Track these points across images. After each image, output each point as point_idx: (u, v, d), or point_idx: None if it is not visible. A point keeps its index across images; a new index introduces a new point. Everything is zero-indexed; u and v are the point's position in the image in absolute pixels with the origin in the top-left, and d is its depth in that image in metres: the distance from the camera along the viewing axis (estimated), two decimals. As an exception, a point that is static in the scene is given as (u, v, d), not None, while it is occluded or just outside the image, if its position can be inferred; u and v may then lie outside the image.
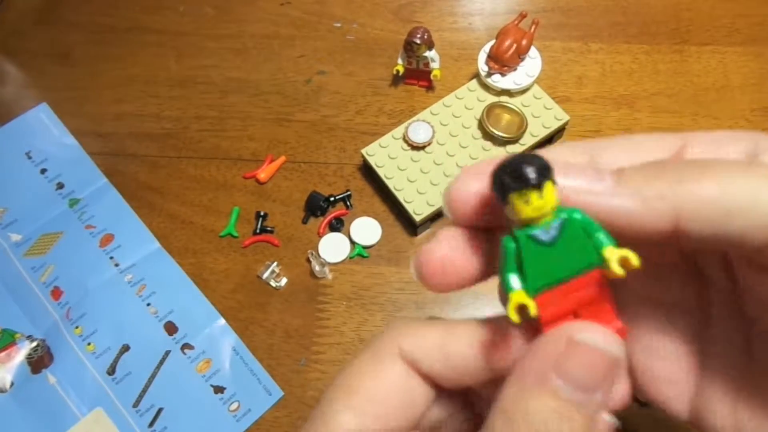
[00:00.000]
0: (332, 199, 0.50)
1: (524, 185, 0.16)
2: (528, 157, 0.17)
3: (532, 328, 0.18)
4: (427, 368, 0.19)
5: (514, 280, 0.17)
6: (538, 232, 0.17)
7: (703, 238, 0.16)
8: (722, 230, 0.15)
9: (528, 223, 0.17)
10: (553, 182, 0.16)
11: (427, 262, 0.18)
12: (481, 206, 0.18)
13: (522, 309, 0.16)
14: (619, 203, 0.16)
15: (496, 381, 0.18)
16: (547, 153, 0.18)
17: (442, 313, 0.45)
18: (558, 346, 0.17)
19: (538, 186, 0.16)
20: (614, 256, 0.16)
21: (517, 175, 0.16)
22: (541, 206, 0.16)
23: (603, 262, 0.16)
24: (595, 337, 0.17)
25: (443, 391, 0.20)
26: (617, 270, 0.16)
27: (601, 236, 0.16)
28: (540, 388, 0.16)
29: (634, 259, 0.16)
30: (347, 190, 0.50)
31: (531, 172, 0.16)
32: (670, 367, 0.20)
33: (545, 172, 0.16)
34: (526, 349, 0.17)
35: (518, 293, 0.16)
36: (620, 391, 0.18)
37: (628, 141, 0.19)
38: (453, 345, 0.19)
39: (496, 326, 0.18)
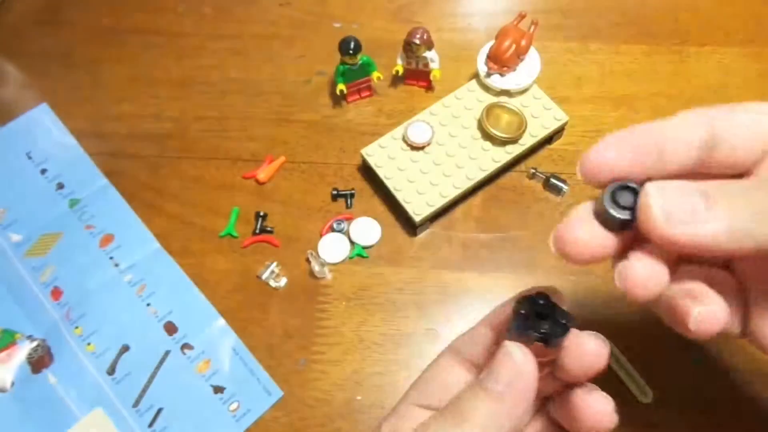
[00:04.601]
0: (336, 193, 0.50)
1: None
2: None
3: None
4: (467, 354, 0.26)
5: None
6: None
7: None
8: None
9: None
10: None
11: (567, 239, 0.22)
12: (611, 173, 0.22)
13: None
14: (709, 236, 0.20)
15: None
16: (664, 128, 0.22)
17: (442, 312, 0.45)
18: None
19: None
20: None
21: None
22: None
23: None
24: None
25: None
26: None
27: None
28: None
29: None
30: (352, 189, 0.50)
31: None
32: None
33: None
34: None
35: None
36: None
37: (746, 114, 0.22)
38: (479, 330, 0.26)
39: (502, 311, 0.25)
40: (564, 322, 0.22)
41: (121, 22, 0.61)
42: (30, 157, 0.54)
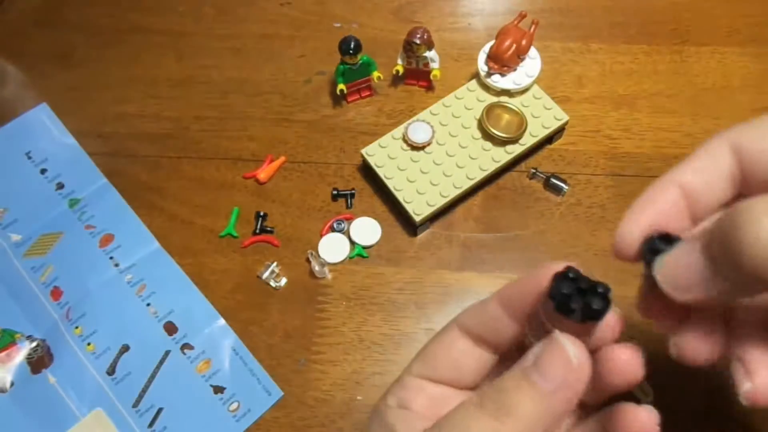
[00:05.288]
0: (336, 193, 0.50)
1: None
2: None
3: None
4: (474, 329, 0.24)
5: None
6: None
7: None
8: None
9: None
10: None
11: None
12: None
13: None
14: (715, 297, 0.19)
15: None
16: (685, 175, 0.22)
17: (442, 312, 0.45)
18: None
19: None
20: None
21: None
22: None
23: None
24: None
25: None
26: None
27: None
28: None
29: None
30: (352, 189, 0.50)
31: None
32: None
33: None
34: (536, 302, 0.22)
35: None
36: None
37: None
38: (489, 306, 0.24)
39: (516, 287, 0.23)
40: (602, 291, 0.20)
41: (121, 21, 0.61)
42: (30, 157, 0.54)
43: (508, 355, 0.25)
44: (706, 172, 0.22)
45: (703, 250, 0.19)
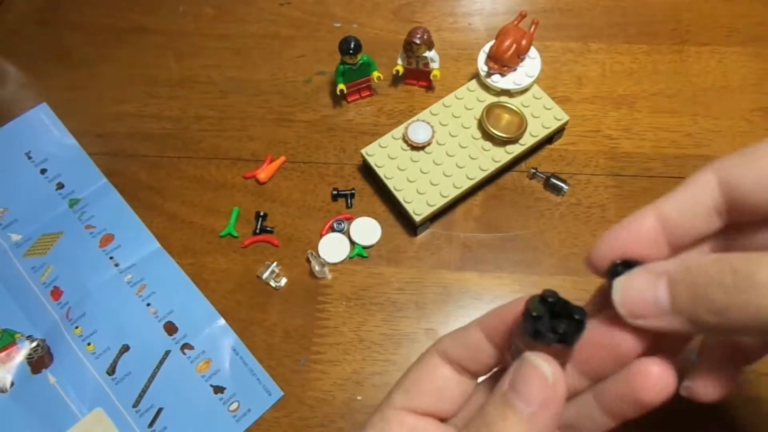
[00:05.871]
0: (336, 193, 0.50)
1: None
2: None
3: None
4: (455, 356, 0.24)
5: None
6: None
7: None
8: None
9: None
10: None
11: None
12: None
13: None
14: (667, 327, 0.20)
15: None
16: (664, 208, 0.22)
17: (442, 312, 0.45)
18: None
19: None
20: None
21: None
22: None
23: None
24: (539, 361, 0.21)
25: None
26: None
27: None
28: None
29: None
30: (352, 189, 0.50)
31: None
32: None
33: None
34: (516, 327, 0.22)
35: None
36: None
37: (763, 159, 0.21)
38: (471, 333, 0.24)
39: (497, 314, 0.23)
40: (578, 317, 0.21)
41: (121, 21, 0.61)
42: (30, 157, 0.54)
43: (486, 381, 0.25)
44: (685, 204, 0.22)
45: (668, 286, 0.20)
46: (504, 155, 0.48)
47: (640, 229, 0.23)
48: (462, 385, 0.25)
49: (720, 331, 0.19)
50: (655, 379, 0.21)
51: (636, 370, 0.21)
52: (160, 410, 0.43)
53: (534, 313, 0.21)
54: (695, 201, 0.22)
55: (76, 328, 0.46)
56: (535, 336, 0.21)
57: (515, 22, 0.50)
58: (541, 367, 0.20)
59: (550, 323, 0.21)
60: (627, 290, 0.21)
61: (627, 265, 0.22)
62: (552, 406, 0.20)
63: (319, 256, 0.47)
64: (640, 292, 0.21)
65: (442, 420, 0.25)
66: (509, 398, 0.21)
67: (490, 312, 0.24)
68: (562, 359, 0.21)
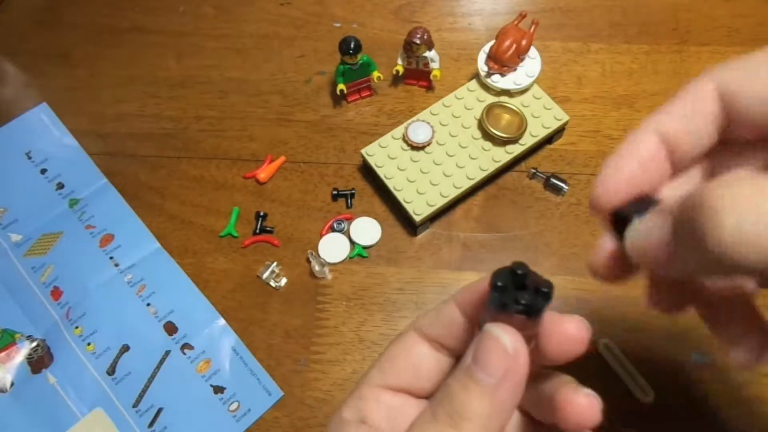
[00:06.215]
0: (336, 193, 0.50)
1: None
2: None
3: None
4: (433, 333, 0.24)
5: None
6: None
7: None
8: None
9: None
10: None
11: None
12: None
13: None
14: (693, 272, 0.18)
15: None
16: (662, 122, 0.21)
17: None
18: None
19: None
20: None
21: None
22: None
23: None
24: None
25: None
26: None
27: None
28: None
29: None
30: (352, 189, 0.50)
31: None
32: None
33: None
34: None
35: None
36: None
37: (763, 66, 0.20)
38: (447, 309, 0.24)
39: (470, 288, 0.23)
40: (545, 290, 0.20)
41: (120, 21, 0.61)
42: (30, 157, 0.54)
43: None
44: (687, 118, 0.21)
45: (673, 227, 0.18)
46: (504, 155, 0.48)
47: (644, 154, 0.21)
48: (439, 363, 0.24)
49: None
50: (582, 410, 0.21)
51: (563, 399, 0.21)
52: (160, 410, 0.43)
53: (499, 283, 0.20)
54: (697, 114, 0.21)
55: (76, 328, 0.46)
56: (500, 307, 0.20)
57: (515, 22, 0.50)
58: (500, 338, 0.20)
59: (514, 295, 0.20)
60: (642, 243, 0.19)
61: (639, 204, 0.20)
62: (514, 378, 0.20)
63: (319, 256, 0.47)
64: (656, 242, 0.19)
65: (420, 397, 0.25)
66: (471, 370, 0.20)
67: (464, 286, 0.23)
68: (527, 332, 0.21)
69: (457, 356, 0.24)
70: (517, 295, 0.20)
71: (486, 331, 0.21)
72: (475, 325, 0.23)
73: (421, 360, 0.24)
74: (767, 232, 0.15)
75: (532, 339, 0.21)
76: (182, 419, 0.43)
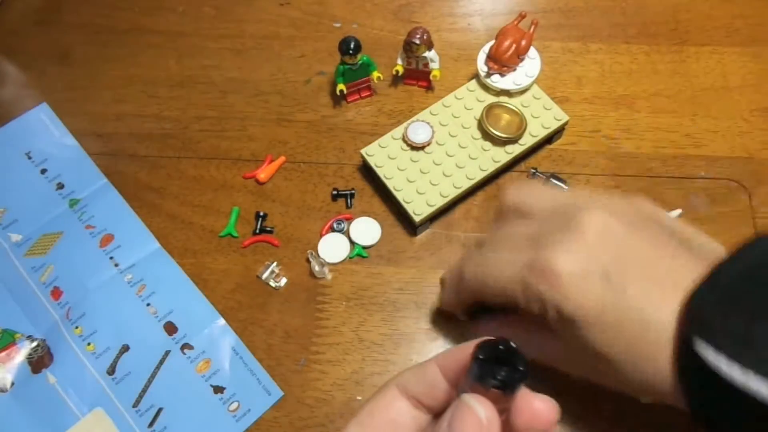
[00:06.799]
0: (336, 193, 0.50)
1: None
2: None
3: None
4: (413, 390, 0.25)
5: None
6: None
7: None
8: None
9: None
10: None
11: None
12: None
13: None
14: None
15: None
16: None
17: (442, 312, 0.45)
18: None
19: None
20: None
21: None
22: None
23: None
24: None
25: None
26: None
27: None
28: None
29: None
30: (352, 189, 0.50)
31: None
32: None
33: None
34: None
35: None
36: None
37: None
38: (429, 369, 0.25)
39: (453, 354, 0.25)
40: (522, 369, 0.22)
41: (120, 21, 0.61)
42: (30, 157, 0.54)
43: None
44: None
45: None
46: (504, 155, 0.48)
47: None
48: (417, 421, 0.26)
49: None
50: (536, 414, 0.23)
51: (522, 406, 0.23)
52: (160, 410, 0.43)
53: (480, 356, 0.22)
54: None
55: (76, 328, 0.46)
56: (478, 380, 0.22)
57: (515, 23, 0.50)
58: (475, 409, 0.22)
59: (493, 369, 0.22)
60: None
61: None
62: None
63: (318, 256, 0.47)
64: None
65: None
66: None
67: (447, 350, 0.25)
68: (501, 406, 0.22)
69: (435, 414, 0.26)
70: (496, 370, 0.22)
71: (463, 401, 0.22)
72: (454, 388, 0.25)
73: (400, 416, 0.26)
74: None
75: (504, 412, 0.23)
76: (182, 419, 0.43)
